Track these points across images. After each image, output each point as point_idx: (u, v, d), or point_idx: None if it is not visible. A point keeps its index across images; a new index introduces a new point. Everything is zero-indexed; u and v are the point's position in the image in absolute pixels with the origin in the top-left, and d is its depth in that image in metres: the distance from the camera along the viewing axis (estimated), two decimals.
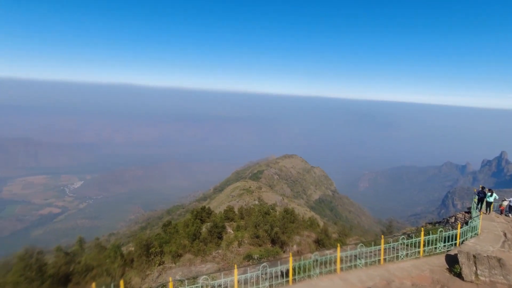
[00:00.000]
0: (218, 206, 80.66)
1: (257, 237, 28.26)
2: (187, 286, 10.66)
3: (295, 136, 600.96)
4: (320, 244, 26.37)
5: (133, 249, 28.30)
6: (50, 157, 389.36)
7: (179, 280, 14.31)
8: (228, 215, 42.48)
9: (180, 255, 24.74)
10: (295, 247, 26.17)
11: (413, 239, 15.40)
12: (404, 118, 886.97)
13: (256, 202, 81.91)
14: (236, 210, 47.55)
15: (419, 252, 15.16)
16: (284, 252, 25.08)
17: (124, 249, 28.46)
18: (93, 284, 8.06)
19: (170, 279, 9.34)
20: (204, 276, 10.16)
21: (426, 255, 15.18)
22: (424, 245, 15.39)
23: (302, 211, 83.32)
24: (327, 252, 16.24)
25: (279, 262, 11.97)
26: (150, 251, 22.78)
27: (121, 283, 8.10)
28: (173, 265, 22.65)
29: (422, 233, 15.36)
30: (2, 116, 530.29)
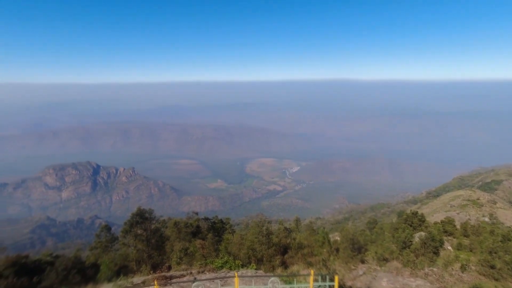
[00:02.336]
0: (431, 213, 69.68)
1: (492, 267, 21.96)
2: None
3: None
4: None
5: (339, 239, 29.58)
6: (277, 144, 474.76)
7: None
8: (446, 228, 35.73)
9: (385, 260, 23.30)
10: None
11: None
12: None
13: (486, 220, 64.16)
14: (457, 224, 39.24)
15: None
16: None
17: (330, 237, 30.17)
18: (312, 271, 8.90)
19: None
20: None
21: None
22: None
23: None
24: None
25: None
26: (356, 246, 22.92)
27: (336, 279, 8.48)
28: (378, 268, 21.65)
29: None
30: (247, 111, 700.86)
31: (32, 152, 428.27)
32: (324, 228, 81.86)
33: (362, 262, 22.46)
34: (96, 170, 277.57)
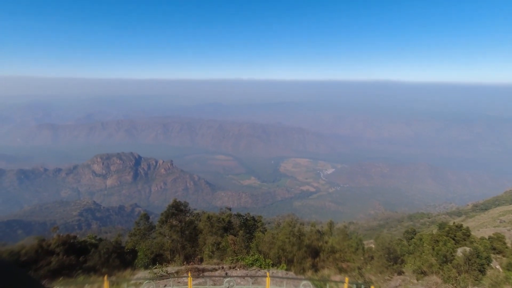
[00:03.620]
0: (477, 228, 64.40)
1: None
2: None
3: None
4: None
5: (373, 246, 28.42)
6: (313, 144, 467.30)
7: None
8: (495, 245, 32.79)
9: (424, 273, 22.00)
10: None
11: None
12: None
13: None
14: (508, 241, 35.83)
15: None
16: None
17: (364, 244, 29.14)
18: (346, 279, 8.69)
19: None
20: None
21: None
22: None
23: None
24: None
25: None
26: (392, 256, 21.87)
27: None
28: (415, 281, 20.53)
29: None
30: (285, 110, 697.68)
31: (83, 141, 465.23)
32: (357, 233, 79.28)
33: (398, 273, 21.42)
34: (138, 161, 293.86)
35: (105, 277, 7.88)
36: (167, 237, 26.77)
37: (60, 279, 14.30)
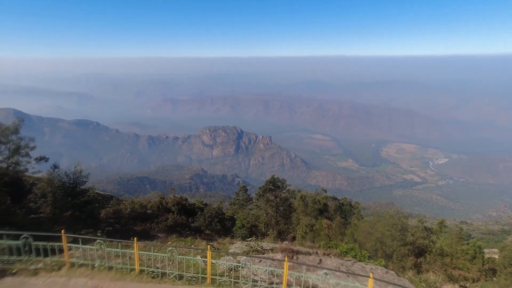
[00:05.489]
0: None
1: None
2: None
3: None
4: None
5: (497, 257, 23.68)
6: (423, 129, 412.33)
7: None
8: None
9: None
10: None
11: None
12: None
13: None
14: None
15: None
16: None
17: (486, 252, 24.52)
18: None
19: None
20: None
21: None
22: None
23: None
24: None
25: None
26: None
27: None
28: None
29: None
30: (395, 90, 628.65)
31: (195, 114, 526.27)
32: (470, 236, 67.78)
33: None
34: (240, 134, 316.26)
35: (208, 246, 8.66)
36: (263, 211, 28.17)
37: (174, 236, 16.72)
